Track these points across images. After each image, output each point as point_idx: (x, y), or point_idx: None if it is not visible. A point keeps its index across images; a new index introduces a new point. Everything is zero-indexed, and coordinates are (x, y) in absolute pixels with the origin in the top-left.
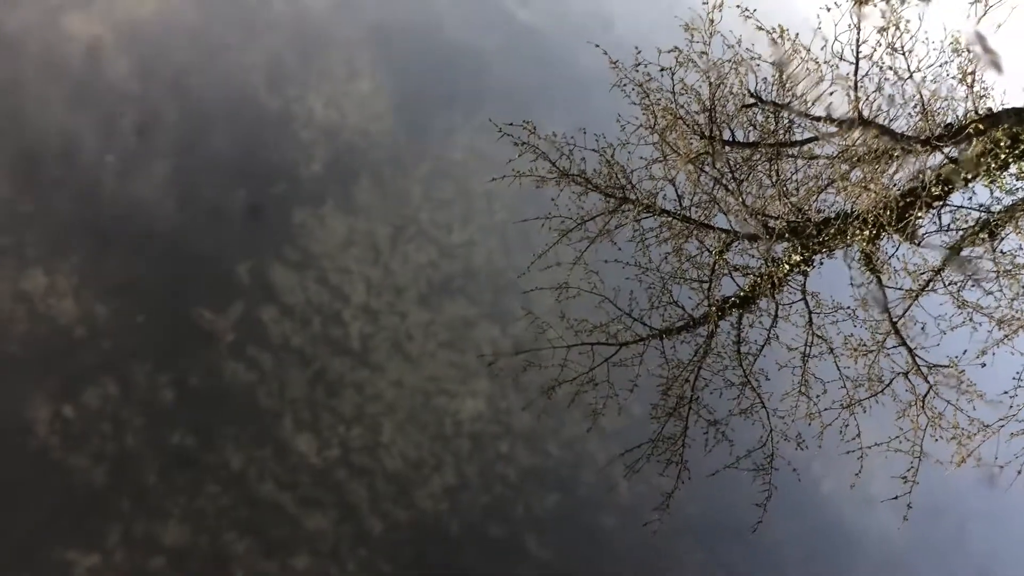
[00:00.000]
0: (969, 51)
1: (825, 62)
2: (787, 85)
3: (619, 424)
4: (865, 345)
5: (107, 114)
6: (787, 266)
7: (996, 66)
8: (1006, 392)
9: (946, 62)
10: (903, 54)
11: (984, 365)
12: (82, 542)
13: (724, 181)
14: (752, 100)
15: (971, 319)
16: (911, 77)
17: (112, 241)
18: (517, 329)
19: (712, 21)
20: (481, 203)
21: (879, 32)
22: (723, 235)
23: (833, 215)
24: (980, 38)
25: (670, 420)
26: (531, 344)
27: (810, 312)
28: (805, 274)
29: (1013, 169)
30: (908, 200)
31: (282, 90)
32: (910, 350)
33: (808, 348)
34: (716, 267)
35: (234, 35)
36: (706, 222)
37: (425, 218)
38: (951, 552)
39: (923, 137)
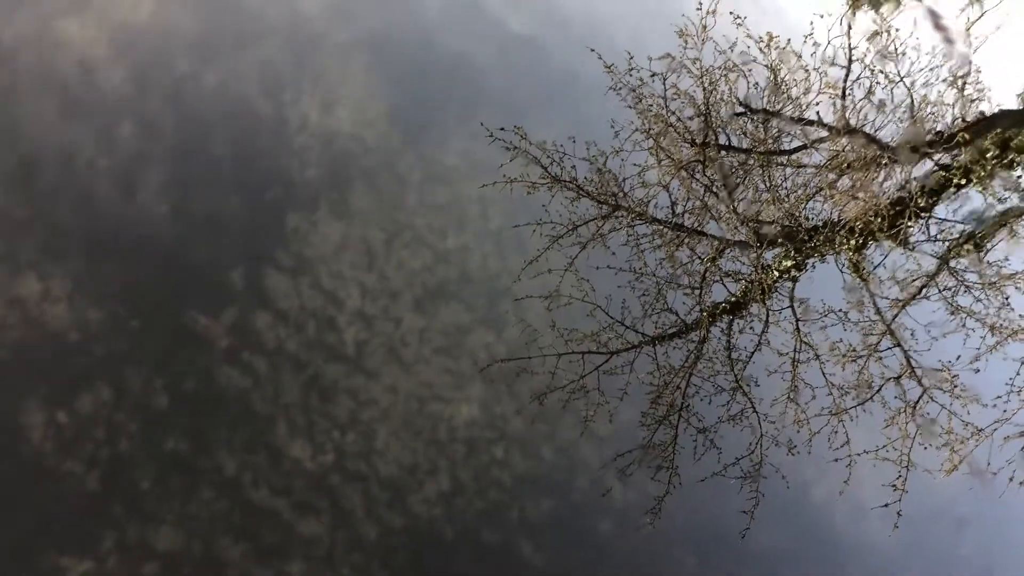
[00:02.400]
0: (960, 52)
1: (815, 69)
2: (781, 89)
3: (613, 429)
4: (854, 350)
5: (102, 121)
6: (776, 272)
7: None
8: (999, 397)
9: (936, 67)
10: (893, 60)
11: (978, 371)
12: (75, 548)
13: (715, 188)
14: (741, 109)
15: (964, 325)
16: (901, 81)
17: (106, 247)
18: (511, 335)
19: (705, 27)
20: (475, 209)
21: (869, 39)
22: (715, 242)
23: (821, 223)
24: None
25: (660, 427)
26: (524, 351)
27: (797, 319)
28: (795, 280)
29: (1003, 175)
30: (898, 208)
31: (277, 97)
32: (905, 352)
33: (797, 354)
34: (707, 273)
35: (229, 43)
36: (698, 229)
37: (419, 223)
38: (944, 559)
39: (912, 144)
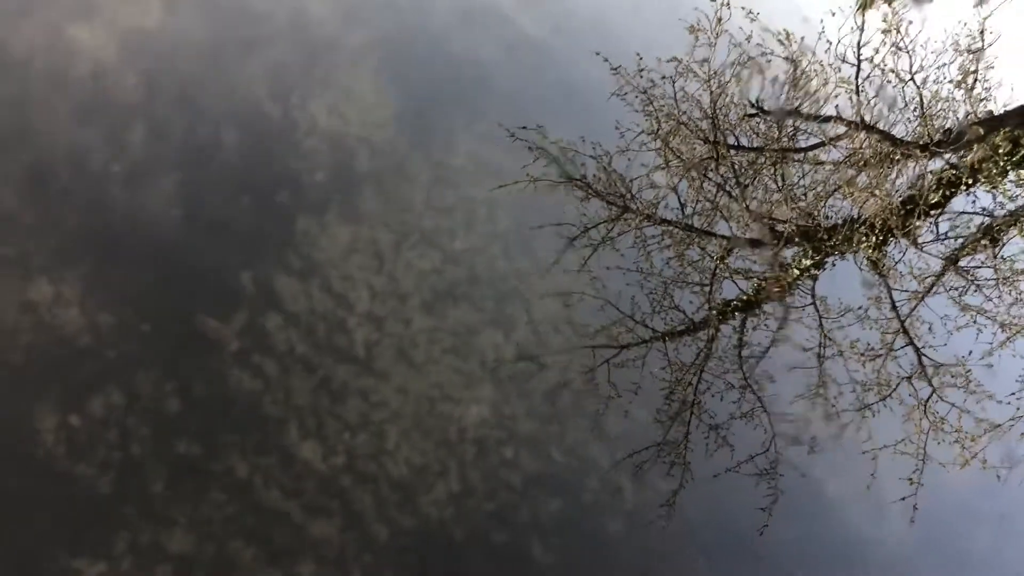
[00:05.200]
0: (970, 51)
1: (829, 65)
2: (798, 85)
3: (623, 428)
4: (873, 349)
5: (112, 125)
6: (797, 271)
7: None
8: (1012, 393)
9: (947, 63)
10: (907, 53)
11: (991, 366)
12: (88, 550)
13: (728, 186)
14: (753, 111)
15: (975, 321)
16: (912, 79)
17: (117, 250)
18: (521, 334)
19: (720, 20)
20: (483, 210)
21: (882, 33)
22: (725, 241)
23: (840, 221)
24: None
25: (674, 424)
26: (534, 349)
27: (820, 316)
28: (815, 278)
29: (1012, 176)
30: (908, 208)
31: (285, 100)
32: (917, 350)
33: (822, 349)
34: (717, 271)
35: (238, 47)
36: (708, 229)
37: (428, 225)
38: (963, 556)
39: (922, 143)
